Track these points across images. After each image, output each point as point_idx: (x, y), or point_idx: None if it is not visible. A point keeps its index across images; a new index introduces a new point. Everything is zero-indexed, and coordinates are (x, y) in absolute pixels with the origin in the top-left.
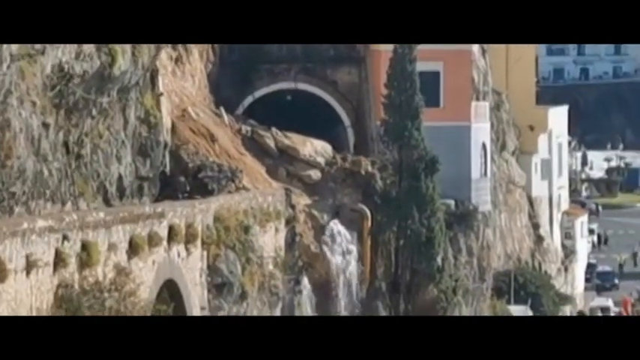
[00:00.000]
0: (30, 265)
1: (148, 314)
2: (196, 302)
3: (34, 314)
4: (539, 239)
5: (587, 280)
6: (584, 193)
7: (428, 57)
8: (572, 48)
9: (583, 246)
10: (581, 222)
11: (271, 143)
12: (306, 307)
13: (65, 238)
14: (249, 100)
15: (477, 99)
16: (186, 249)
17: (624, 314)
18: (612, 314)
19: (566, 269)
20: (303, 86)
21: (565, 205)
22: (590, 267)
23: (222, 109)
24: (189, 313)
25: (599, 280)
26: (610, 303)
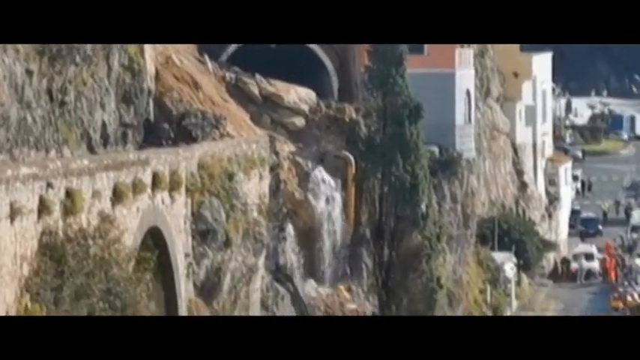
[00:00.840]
0: (14, 213)
1: (132, 262)
2: (180, 249)
3: (18, 262)
4: (523, 186)
5: (571, 226)
6: (568, 140)
7: None
8: None
9: (567, 192)
10: (565, 169)
11: (255, 90)
12: (290, 254)
13: (49, 185)
14: (233, 47)
15: (461, 46)
16: (171, 196)
17: (607, 259)
18: (596, 260)
19: (550, 216)
20: None
21: (549, 151)
22: (574, 213)
23: (206, 56)
24: (173, 261)
25: (582, 227)
26: (594, 249)
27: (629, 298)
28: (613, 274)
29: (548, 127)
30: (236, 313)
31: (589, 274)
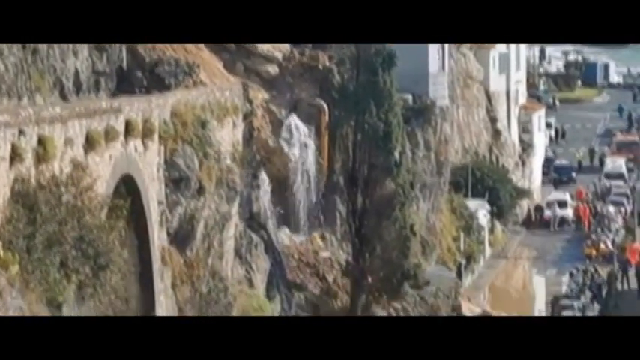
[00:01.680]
0: None
1: (105, 209)
2: (153, 197)
3: None
4: (496, 133)
5: (544, 174)
6: (541, 87)
7: None
8: None
9: (540, 140)
10: (539, 116)
11: None
12: (264, 202)
13: (21, 133)
14: None
15: None
16: (143, 144)
17: (580, 206)
18: (569, 208)
19: (523, 163)
20: None
21: (522, 99)
22: (547, 161)
23: None
24: (146, 208)
25: (556, 174)
26: (567, 197)
27: (602, 246)
28: (586, 222)
29: (521, 74)
30: (209, 262)
31: (562, 221)
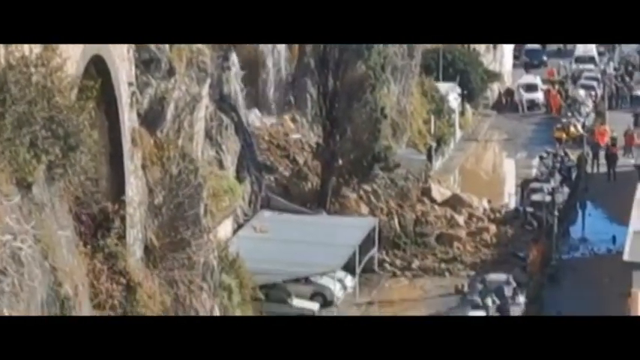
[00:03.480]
0: None
1: (75, 90)
2: (124, 78)
3: None
4: None
5: (515, 57)
6: None
7: None
8: None
9: None
10: None
11: None
12: (234, 84)
13: None
14: None
15: None
16: None
17: (550, 90)
18: (539, 91)
19: (494, 46)
20: None
21: None
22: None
23: None
24: (116, 89)
25: (527, 58)
26: (538, 80)
27: (571, 129)
28: (555, 106)
29: None
30: (180, 143)
31: (532, 104)
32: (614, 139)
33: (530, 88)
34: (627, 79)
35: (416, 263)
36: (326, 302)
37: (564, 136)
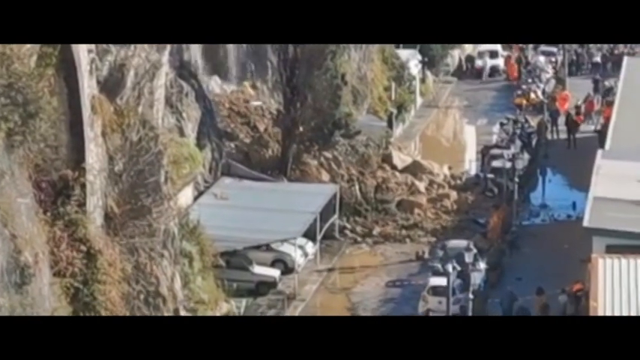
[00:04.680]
0: None
1: (34, 57)
2: (83, 45)
3: None
4: None
5: None
6: None
7: None
8: None
9: None
10: None
11: None
12: (195, 51)
13: None
14: None
15: None
16: None
17: (510, 56)
18: (500, 57)
19: None
20: None
21: None
22: None
23: None
24: (76, 57)
25: None
26: (498, 47)
27: (532, 95)
28: (513, 73)
29: None
30: (140, 110)
31: (493, 71)
32: (578, 108)
33: (491, 54)
34: (587, 45)
35: (377, 230)
36: (287, 269)
37: (524, 102)
